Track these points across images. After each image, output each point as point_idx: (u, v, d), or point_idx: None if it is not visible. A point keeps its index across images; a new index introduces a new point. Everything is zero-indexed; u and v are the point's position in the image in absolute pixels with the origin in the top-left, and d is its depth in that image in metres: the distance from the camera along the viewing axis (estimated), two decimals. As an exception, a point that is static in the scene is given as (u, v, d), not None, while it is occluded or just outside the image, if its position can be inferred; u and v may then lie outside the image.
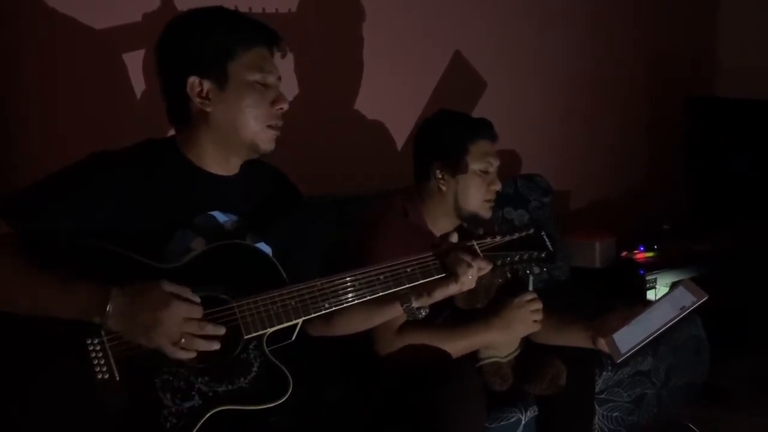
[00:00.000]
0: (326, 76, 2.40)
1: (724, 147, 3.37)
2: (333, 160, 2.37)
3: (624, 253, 2.93)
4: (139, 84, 2.01)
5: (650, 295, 2.72)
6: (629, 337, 1.75)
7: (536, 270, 1.56)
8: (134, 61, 2.00)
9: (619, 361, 1.75)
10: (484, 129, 1.90)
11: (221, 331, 1.27)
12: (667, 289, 2.66)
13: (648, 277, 2.73)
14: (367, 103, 2.54)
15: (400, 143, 2.64)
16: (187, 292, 1.26)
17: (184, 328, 1.24)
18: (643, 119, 3.53)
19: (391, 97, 2.58)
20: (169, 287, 1.25)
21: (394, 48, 2.57)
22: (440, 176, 1.87)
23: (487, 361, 1.82)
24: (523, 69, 2.99)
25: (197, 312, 1.26)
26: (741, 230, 3.11)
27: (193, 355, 1.26)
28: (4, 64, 1.82)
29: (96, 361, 1.25)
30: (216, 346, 1.27)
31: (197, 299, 1.27)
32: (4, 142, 1.83)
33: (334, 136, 2.40)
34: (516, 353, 1.87)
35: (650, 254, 2.93)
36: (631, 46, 3.40)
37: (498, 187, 1.89)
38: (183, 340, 1.24)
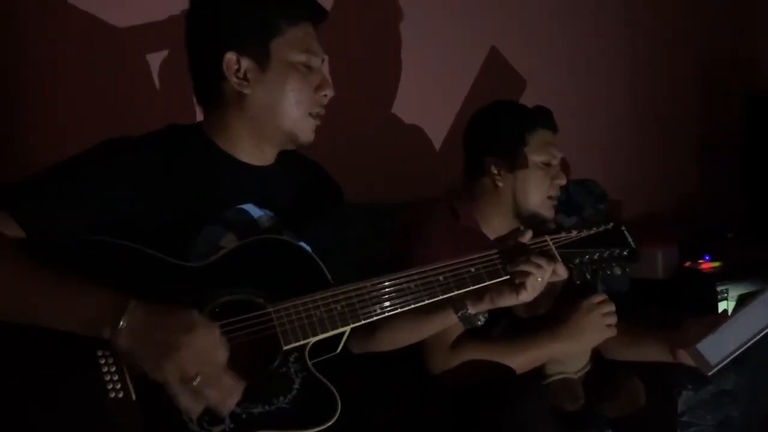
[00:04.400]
0: (357, 77, 2.26)
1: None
2: (364, 164, 2.23)
3: (688, 263, 2.74)
4: (149, 78, 1.88)
5: (722, 307, 2.51)
6: (718, 346, 1.57)
7: (617, 271, 1.35)
8: (148, 57, 1.87)
9: (710, 374, 1.57)
10: (544, 118, 1.73)
11: (239, 392, 1.06)
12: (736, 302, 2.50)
13: (719, 288, 2.50)
14: (401, 105, 2.41)
15: (437, 145, 2.50)
16: (217, 331, 1.06)
17: (202, 365, 1.02)
18: (699, 121, 3.38)
19: (426, 98, 2.44)
20: (199, 316, 1.05)
21: (428, 46, 2.43)
22: (496, 171, 1.69)
23: (555, 378, 1.62)
24: (566, 69, 2.84)
25: (222, 354, 1.05)
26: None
27: (198, 408, 1.04)
28: (14, 58, 1.69)
29: (108, 377, 1.05)
30: (230, 405, 1.06)
31: (227, 343, 1.06)
32: (12, 138, 1.69)
33: (365, 139, 2.26)
34: (587, 369, 1.68)
35: (717, 264, 2.73)
36: (683, 45, 3.25)
37: (563, 181, 1.71)
38: (197, 381, 1.02)
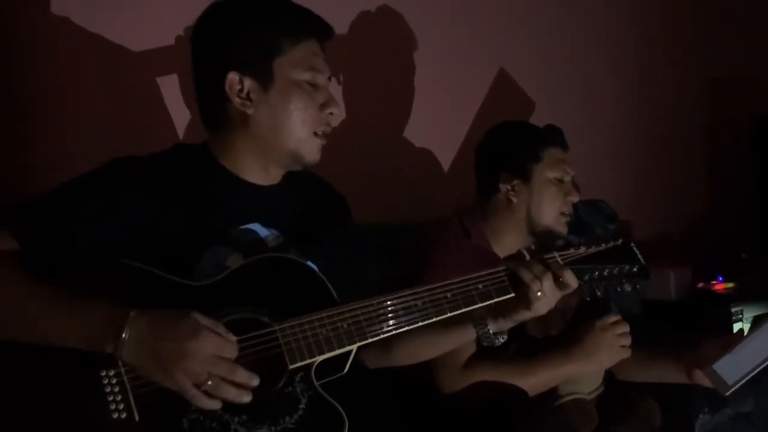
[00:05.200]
0: (369, 98, 2.26)
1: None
2: (375, 187, 2.21)
3: (701, 284, 2.69)
4: (159, 100, 1.89)
5: (737, 328, 2.46)
6: (734, 366, 1.54)
7: (628, 287, 1.33)
8: (158, 79, 1.88)
9: (728, 394, 1.54)
10: (555, 136, 1.74)
11: (255, 381, 1.06)
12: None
13: (733, 309, 2.46)
14: (411, 126, 2.40)
15: (446, 166, 2.49)
16: (221, 328, 1.06)
17: (212, 368, 1.03)
18: (706, 141, 3.34)
19: (436, 120, 2.43)
20: (200, 317, 1.05)
21: (438, 68, 2.43)
22: (510, 187, 1.69)
23: (568, 399, 1.59)
24: (574, 90, 2.82)
25: (231, 351, 1.05)
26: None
27: (218, 405, 1.04)
28: (25, 80, 1.70)
29: (111, 398, 1.04)
30: (247, 398, 1.05)
31: (233, 338, 1.06)
32: (22, 160, 1.69)
33: (376, 161, 2.25)
34: (600, 390, 1.65)
35: (730, 285, 2.69)
36: (691, 65, 3.23)
37: (576, 198, 1.71)
38: (210, 383, 1.02)
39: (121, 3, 1.78)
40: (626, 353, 1.57)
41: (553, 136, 1.73)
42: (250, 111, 1.21)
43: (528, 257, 1.26)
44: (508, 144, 1.72)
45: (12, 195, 1.21)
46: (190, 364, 1.01)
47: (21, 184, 1.62)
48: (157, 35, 1.83)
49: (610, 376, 1.68)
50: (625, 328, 1.57)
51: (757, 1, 3.35)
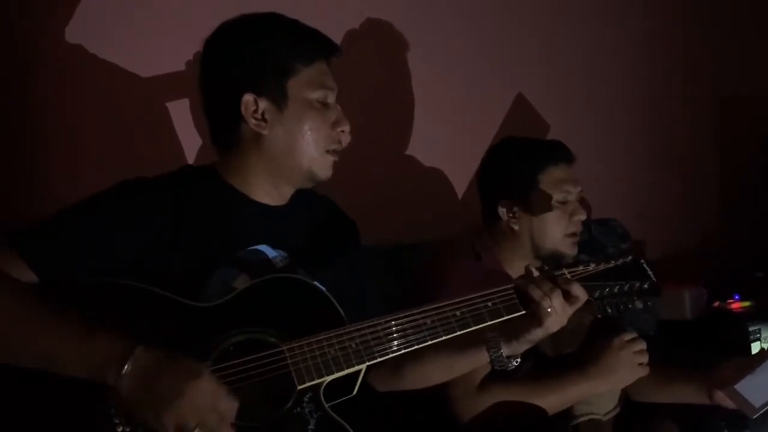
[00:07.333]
0: (381, 120, 2.26)
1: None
2: (387, 207, 2.21)
3: (716, 303, 2.65)
4: (169, 124, 1.90)
5: (755, 347, 2.42)
6: (758, 387, 1.52)
7: (639, 305, 1.32)
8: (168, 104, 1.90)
9: (755, 417, 1.51)
10: (555, 152, 1.68)
11: None
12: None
13: (751, 328, 2.42)
14: (425, 148, 2.40)
15: (460, 190, 2.48)
16: (224, 388, 1.03)
17: (204, 417, 1.00)
18: (719, 159, 3.32)
19: (450, 142, 2.44)
20: (205, 366, 1.04)
21: (453, 91, 2.44)
22: (510, 215, 1.65)
23: (583, 419, 1.57)
24: (587, 111, 2.82)
25: (227, 405, 1.02)
26: None
27: None
28: (37, 105, 1.72)
29: (117, 420, 1.04)
30: None
31: (236, 401, 1.03)
32: (34, 184, 1.70)
33: (388, 182, 2.25)
34: (616, 411, 1.62)
35: (747, 304, 2.64)
36: (702, 83, 3.22)
37: (582, 216, 1.67)
38: None
39: (132, 28, 1.80)
40: (644, 371, 1.54)
41: (551, 153, 1.67)
42: (264, 132, 1.22)
43: (537, 274, 1.25)
44: (504, 171, 1.68)
45: (22, 219, 1.21)
46: (182, 405, 0.99)
47: (31, 207, 1.63)
48: (167, 60, 1.85)
49: (626, 397, 1.66)
50: (642, 345, 1.54)
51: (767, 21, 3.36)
